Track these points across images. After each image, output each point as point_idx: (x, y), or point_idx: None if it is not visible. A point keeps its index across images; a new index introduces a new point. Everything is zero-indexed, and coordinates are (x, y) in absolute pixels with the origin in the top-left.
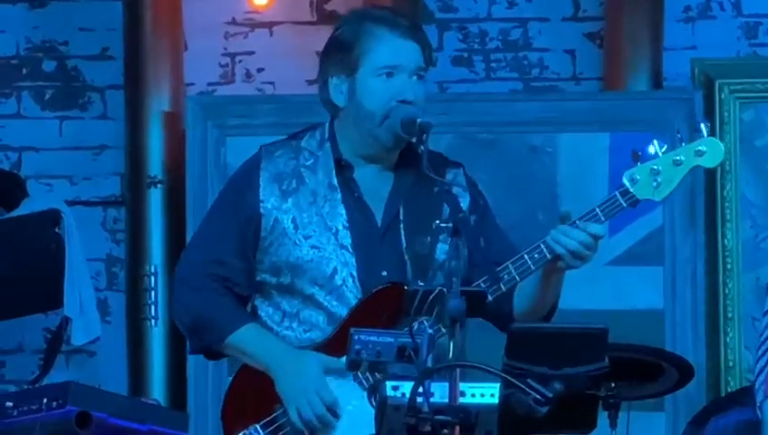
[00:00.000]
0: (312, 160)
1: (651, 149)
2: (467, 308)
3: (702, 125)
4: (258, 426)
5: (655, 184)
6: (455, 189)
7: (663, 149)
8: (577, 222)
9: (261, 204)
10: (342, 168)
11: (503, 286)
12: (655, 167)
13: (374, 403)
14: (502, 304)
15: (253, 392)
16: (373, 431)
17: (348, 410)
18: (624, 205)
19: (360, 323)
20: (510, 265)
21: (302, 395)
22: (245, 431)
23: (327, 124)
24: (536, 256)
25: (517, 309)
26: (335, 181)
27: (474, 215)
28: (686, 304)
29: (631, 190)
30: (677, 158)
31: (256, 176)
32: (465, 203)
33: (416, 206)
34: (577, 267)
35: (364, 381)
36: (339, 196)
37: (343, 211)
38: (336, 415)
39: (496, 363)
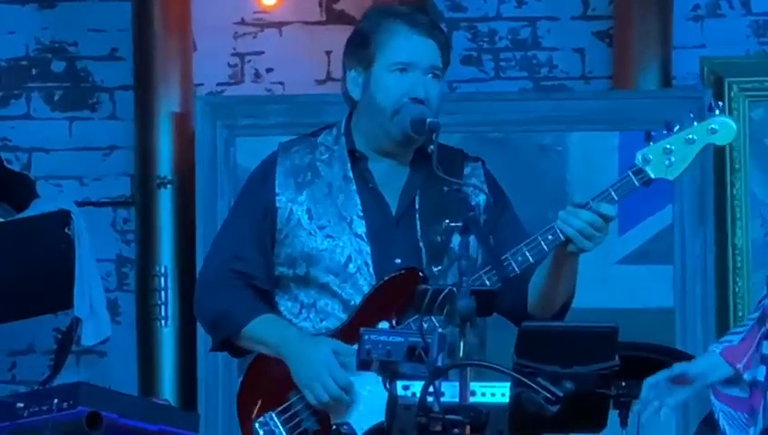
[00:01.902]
0: (327, 155)
1: (665, 130)
2: (477, 307)
3: (713, 103)
4: (273, 414)
5: (668, 163)
6: (471, 184)
7: (676, 129)
8: (590, 202)
9: (276, 197)
10: (357, 159)
11: (516, 268)
12: (668, 146)
13: (389, 387)
14: (516, 297)
15: (267, 381)
16: None
17: (363, 396)
18: (637, 184)
19: (373, 310)
20: (524, 247)
21: (317, 378)
22: (261, 419)
23: (343, 120)
24: (550, 237)
25: (531, 302)
26: (350, 173)
27: (489, 211)
28: (696, 302)
29: (645, 169)
30: (690, 136)
31: (272, 171)
32: (479, 199)
33: (432, 196)
34: (587, 249)
35: None
36: (353, 186)
37: (358, 201)
38: (351, 396)
39: (507, 363)
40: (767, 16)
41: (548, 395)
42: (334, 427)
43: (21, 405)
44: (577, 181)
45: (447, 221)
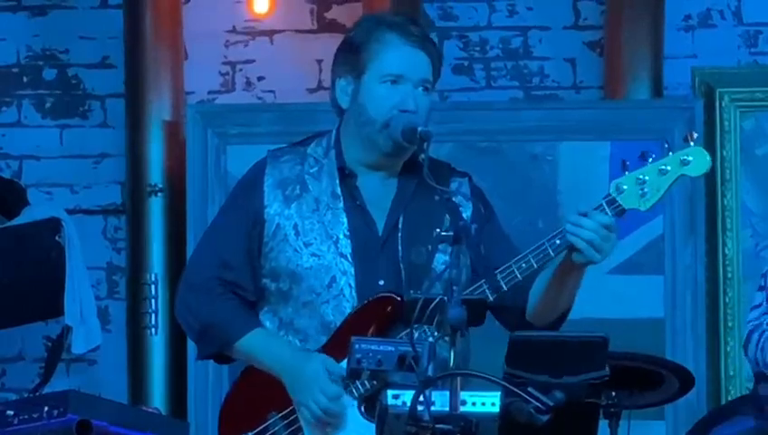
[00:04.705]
0: (316, 168)
1: (640, 159)
2: (468, 317)
3: (689, 134)
4: (252, 434)
5: (641, 193)
6: (457, 199)
7: (650, 158)
8: (588, 213)
9: (264, 209)
10: (346, 176)
11: (519, 275)
12: (641, 176)
13: (363, 411)
14: (517, 298)
15: (248, 401)
16: None
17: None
18: (610, 214)
19: (352, 333)
20: (529, 255)
21: (308, 394)
22: None
23: (334, 131)
24: (558, 241)
25: (531, 309)
26: (338, 190)
27: (475, 224)
28: (686, 312)
29: (617, 200)
30: (663, 167)
31: (261, 180)
32: (467, 213)
33: (416, 215)
34: (597, 261)
35: (354, 391)
36: (341, 204)
37: (345, 220)
38: (342, 407)
39: (497, 372)
40: (758, 27)
41: (538, 405)
42: None
43: (11, 413)
44: (568, 191)
45: (438, 230)
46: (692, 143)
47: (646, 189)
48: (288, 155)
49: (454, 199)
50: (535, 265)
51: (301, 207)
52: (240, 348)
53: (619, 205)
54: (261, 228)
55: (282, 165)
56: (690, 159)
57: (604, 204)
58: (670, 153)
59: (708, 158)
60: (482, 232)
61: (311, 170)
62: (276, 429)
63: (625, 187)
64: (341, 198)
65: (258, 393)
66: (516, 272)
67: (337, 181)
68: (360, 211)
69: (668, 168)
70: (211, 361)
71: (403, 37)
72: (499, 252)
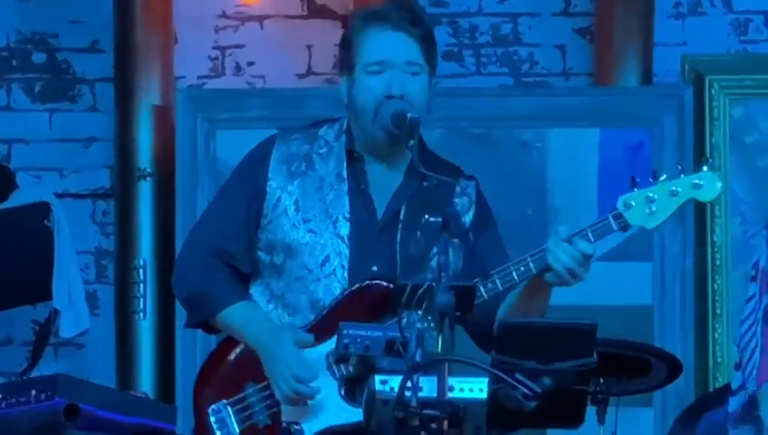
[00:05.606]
0: (326, 149)
1: (652, 177)
2: (456, 303)
3: (704, 159)
4: (226, 402)
5: (648, 211)
6: (462, 199)
7: (662, 178)
8: (572, 238)
9: (267, 182)
10: (354, 159)
11: (485, 294)
12: (650, 194)
13: (343, 395)
14: (486, 317)
15: (225, 370)
16: (343, 421)
17: (316, 398)
18: (615, 228)
19: (340, 314)
20: (495, 275)
21: (278, 372)
22: (213, 407)
23: (346, 118)
24: (522, 268)
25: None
26: (344, 172)
27: (474, 228)
28: (674, 300)
29: (624, 215)
30: (674, 188)
31: (268, 154)
32: (469, 216)
33: (419, 208)
34: (569, 284)
35: (336, 372)
36: (345, 187)
37: (347, 202)
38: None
39: (485, 359)
40: (748, 15)
41: (526, 391)
42: (284, 425)
43: None
44: (557, 177)
45: (427, 216)
46: (705, 168)
47: (654, 208)
48: (298, 133)
49: (456, 200)
50: (516, 280)
51: (304, 183)
52: (221, 320)
53: (625, 220)
54: (261, 201)
55: (291, 142)
56: (702, 183)
57: (610, 218)
58: (682, 175)
59: (720, 184)
60: (479, 239)
61: (320, 151)
62: (252, 400)
63: (633, 203)
64: (346, 181)
65: (236, 364)
66: (498, 284)
67: (344, 165)
68: (362, 195)
69: (679, 189)
70: (198, 344)
71: (383, 23)
72: (494, 263)
